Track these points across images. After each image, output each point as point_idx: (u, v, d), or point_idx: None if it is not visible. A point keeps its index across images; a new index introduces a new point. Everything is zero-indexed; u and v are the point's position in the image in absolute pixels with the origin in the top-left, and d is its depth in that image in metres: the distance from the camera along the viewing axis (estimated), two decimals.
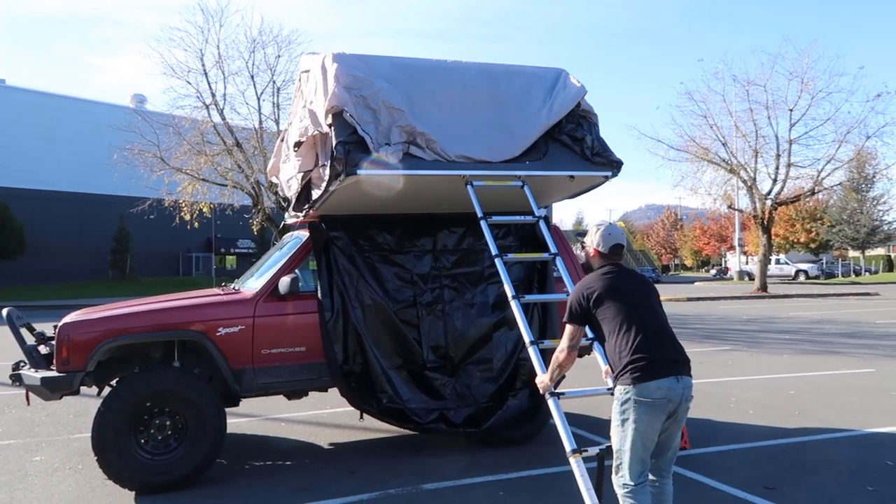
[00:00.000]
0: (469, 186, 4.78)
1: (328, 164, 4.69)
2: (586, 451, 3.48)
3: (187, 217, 21.36)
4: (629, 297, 3.33)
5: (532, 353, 4.14)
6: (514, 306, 4.34)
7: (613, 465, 3.27)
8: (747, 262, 48.40)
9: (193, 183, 20.80)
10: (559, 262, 4.85)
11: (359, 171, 4.47)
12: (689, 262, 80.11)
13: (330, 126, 4.60)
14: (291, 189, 5.62)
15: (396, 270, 5.53)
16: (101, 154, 35.18)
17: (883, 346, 12.01)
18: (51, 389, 4.72)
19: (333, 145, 4.50)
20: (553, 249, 4.85)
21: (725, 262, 64.60)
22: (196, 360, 5.15)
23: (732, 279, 47.52)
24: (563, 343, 3.41)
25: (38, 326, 5.53)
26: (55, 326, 5.33)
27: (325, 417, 6.84)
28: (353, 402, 5.24)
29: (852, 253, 60.24)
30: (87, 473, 5.11)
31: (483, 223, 4.69)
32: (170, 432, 4.77)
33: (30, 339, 5.26)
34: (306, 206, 5.52)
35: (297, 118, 5.75)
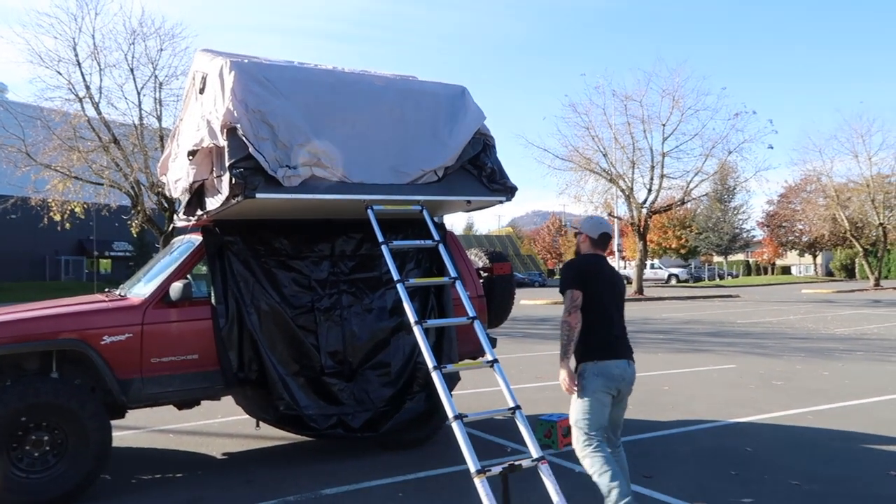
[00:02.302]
0: (369, 210, 4.84)
1: (223, 177, 4.59)
2: (490, 470, 3.64)
3: (57, 217, 19.83)
4: (610, 287, 3.99)
5: (436, 378, 4.15)
6: (417, 331, 4.38)
7: (578, 440, 3.84)
8: (625, 267, 51.34)
9: (64, 181, 19.36)
10: (458, 285, 4.92)
11: (257, 195, 4.42)
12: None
13: (225, 140, 4.50)
14: (178, 189, 5.44)
15: (294, 276, 5.48)
16: None
17: (742, 344, 13.19)
18: None
19: (227, 165, 4.41)
20: (452, 273, 4.95)
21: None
22: (77, 371, 4.87)
23: None
24: (568, 306, 3.82)
25: None
26: None
27: (216, 427, 6.64)
28: (248, 411, 5.15)
29: (717, 258, 65.39)
30: None
31: (384, 248, 4.75)
32: (48, 448, 4.48)
33: None
34: (199, 212, 5.37)
35: (190, 118, 5.57)
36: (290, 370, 5.27)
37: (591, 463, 3.81)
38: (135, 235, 23.92)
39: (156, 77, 20.22)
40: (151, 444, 6.08)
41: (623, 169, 29.86)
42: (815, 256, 66.68)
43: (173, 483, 4.98)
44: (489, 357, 4.37)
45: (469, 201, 5.36)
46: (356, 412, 5.40)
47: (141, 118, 20.04)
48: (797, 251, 65.88)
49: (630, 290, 31.96)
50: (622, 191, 30.27)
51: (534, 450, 3.84)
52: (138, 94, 20.07)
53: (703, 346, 12.87)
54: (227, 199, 4.51)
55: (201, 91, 5.14)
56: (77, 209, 19.99)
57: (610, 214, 33.07)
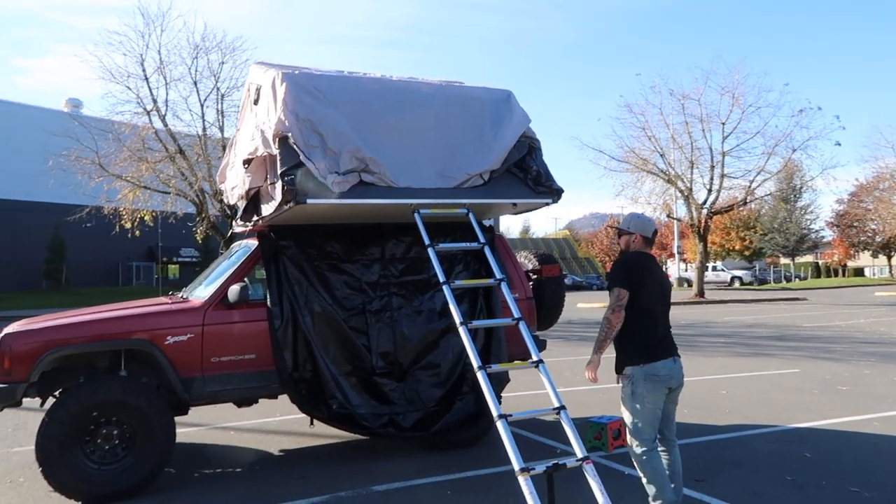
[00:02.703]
0: (416, 214, 4.95)
1: (276, 184, 4.78)
2: (533, 469, 3.68)
3: (128, 225, 20.81)
4: (658, 287, 4.03)
5: (481, 378, 4.21)
6: (462, 332, 4.45)
7: (632, 445, 3.91)
8: (686, 269, 50.10)
9: (134, 190, 20.30)
10: (503, 286, 4.99)
11: (308, 201, 4.60)
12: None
13: (277, 149, 4.68)
14: (235, 196, 5.68)
15: (345, 279, 5.64)
16: (34, 160, 33.96)
17: (808, 348, 12.72)
18: None
19: (279, 173, 4.60)
20: (498, 275, 5.01)
21: (666, 269, 66.65)
22: (143, 370, 5.14)
23: (672, 286, 49.05)
24: (613, 303, 3.86)
25: None
26: None
27: (274, 425, 6.87)
28: (303, 409, 5.32)
29: (783, 260, 63.02)
30: (29, 486, 5.04)
31: (430, 250, 4.86)
32: (117, 442, 4.75)
33: None
34: (255, 218, 5.59)
35: (245, 129, 5.81)
36: (342, 370, 5.42)
37: (643, 468, 3.93)
38: (199, 242, 24.86)
39: (217, 89, 21.01)
40: (213, 441, 6.35)
41: (681, 169, 29.23)
42: (889, 257, 63.50)
43: (232, 478, 5.20)
44: (534, 357, 4.40)
45: (515, 204, 5.40)
46: (407, 412, 5.51)
47: (204, 129, 20.85)
48: (870, 252, 62.87)
49: (690, 293, 31.22)
50: (681, 192, 29.60)
51: (578, 450, 3.86)
52: (201, 105, 20.90)
53: (765, 350, 12.48)
54: (280, 205, 4.69)
55: (255, 102, 5.36)
56: (146, 217, 20.94)
57: (669, 216, 32.39)
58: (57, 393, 5.07)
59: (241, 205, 5.72)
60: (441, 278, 4.72)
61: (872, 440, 5.99)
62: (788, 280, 56.39)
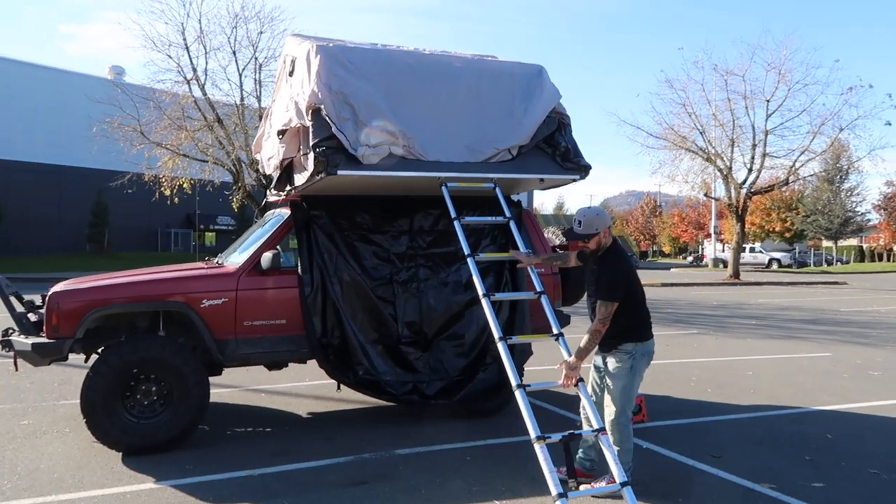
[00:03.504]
0: (444, 188, 5.03)
1: (309, 154, 4.91)
2: (550, 437, 3.79)
3: (167, 192, 21.34)
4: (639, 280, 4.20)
5: (501, 348, 4.31)
6: (485, 304, 4.55)
7: (625, 413, 4.08)
8: (723, 250, 49.26)
9: (174, 158, 20.76)
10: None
11: (339, 172, 4.71)
12: (666, 249, 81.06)
13: (310, 120, 4.80)
14: (270, 167, 5.83)
15: (374, 249, 5.78)
16: (79, 126, 34.79)
17: (842, 333, 12.53)
18: (41, 355, 4.93)
19: (311, 144, 4.72)
20: (523, 249, 5.09)
21: (702, 249, 65.54)
22: (180, 331, 5.37)
23: (707, 266, 48.38)
24: (605, 316, 3.95)
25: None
26: (43, 296, 5.54)
27: (303, 389, 7.11)
28: (330, 374, 5.51)
29: (826, 243, 61.46)
30: (74, 436, 5.35)
31: (456, 223, 4.94)
32: (155, 398, 5.01)
33: (19, 308, 5.45)
34: (288, 188, 5.75)
35: (280, 100, 5.94)
36: (369, 338, 5.59)
37: (627, 437, 4.08)
38: (236, 210, 25.37)
39: (255, 59, 21.23)
40: (245, 402, 6.61)
41: (721, 147, 28.63)
42: None
43: (263, 436, 5.44)
44: (555, 331, 4.50)
45: (542, 179, 5.45)
46: (431, 380, 5.66)
47: (242, 98, 21.15)
48: None
49: (725, 274, 30.78)
50: (720, 170, 29.03)
51: (594, 420, 3.95)
52: (240, 75, 21.19)
53: (797, 334, 12.34)
54: (312, 175, 4.82)
55: (291, 74, 5.48)
56: (185, 185, 21.43)
57: (706, 195, 31.85)
58: (100, 350, 5.34)
59: (276, 174, 5.88)
60: (466, 251, 4.81)
61: None
62: (830, 264, 55.04)
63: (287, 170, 5.63)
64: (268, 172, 6.07)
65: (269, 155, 5.87)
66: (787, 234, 58.49)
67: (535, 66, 5.65)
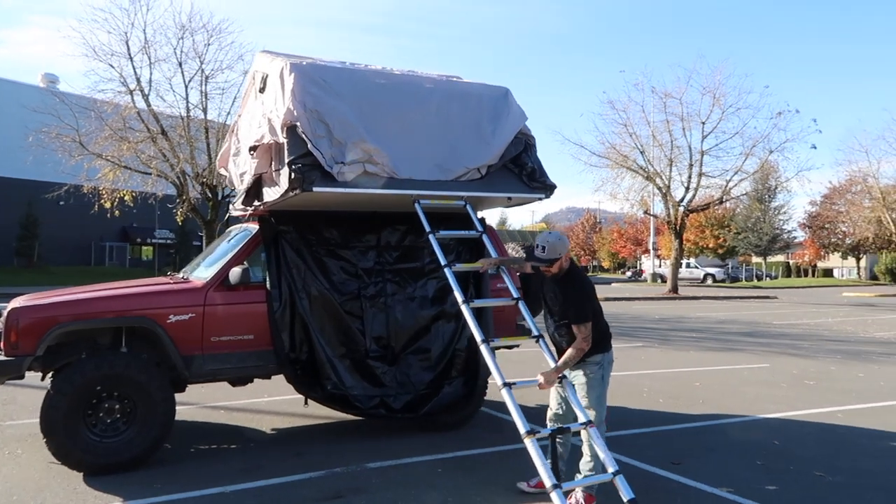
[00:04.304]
0: (417, 204, 5.16)
1: (282, 171, 4.94)
2: (539, 431, 3.92)
3: (108, 205, 20.63)
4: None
5: (484, 350, 4.49)
6: (465, 310, 4.70)
7: (603, 422, 4.24)
8: (660, 266, 50.91)
9: (114, 170, 20.13)
10: (503, 270, 5.24)
11: (314, 188, 4.77)
12: (606, 264, 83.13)
13: (285, 138, 4.84)
14: (244, 181, 5.81)
15: (342, 264, 5.82)
16: (8, 135, 33.35)
17: (777, 345, 13.18)
18: None
19: (287, 161, 4.75)
20: (494, 256, 5.30)
21: (640, 264, 67.50)
22: (143, 346, 5.27)
23: (646, 281, 49.88)
24: (587, 335, 4.10)
25: None
26: None
27: (263, 405, 7.04)
28: (298, 389, 5.50)
29: (755, 259, 64.26)
30: (28, 457, 5.16)
31: (431, 237, 5.08)
32: (119, 416, 4.89)
33: None
34: (256, 203, 5.74)
35: (249, 115, 5.94)
36: (337, 352, 5.61)
37: (601, 443, 4.12)
38: (179, 223, 24.68)
39: (202, 71, 20.86)
40: (206, 419, 6.50)
41: (661, 167, 29.73)
42: (858, 259, 65.10)
43: (229, 453, 5.37)
44: (535, 332, 4.67)
45: (510, 198, 5.64)
46: (398, 394, 5.72)
47: (188, 110, 20.72)
48: (840, 254, 64.42)
49: (664, 289, 31.82)
50: (659, 189, 30.11)
51: (581, 415, 4.10)
52: (186, 87, 20.76)
53: (736, 346, 12.91)
54: (286, 191, 4.84)
55: (261, 90, 5.50)
56: (126, 197, 20.78)
57: (646, 212, 32.93)
58: (57, 367, 5.17)
59: (243, 190, 5.86)
60: (443, 261, 4.94)
61: (838, 430, 6.35)
62: (760, 279, 57.55)
63: (255, 185, 5.62)
64: (239, 188, 6.03)
65: (242, 170, 5.84)
66: (720, 251, 60.95)
67: (501, 88, 5.84)
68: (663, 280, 41.54)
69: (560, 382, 4.24)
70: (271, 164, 5.23)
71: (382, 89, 5.28)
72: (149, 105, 20.15)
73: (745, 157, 29.36)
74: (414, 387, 5.78)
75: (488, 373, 6.13)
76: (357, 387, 5.60)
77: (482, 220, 6.41)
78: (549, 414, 4.47)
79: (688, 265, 51.50)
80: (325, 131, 4.83)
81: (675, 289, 30.73)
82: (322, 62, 5.41)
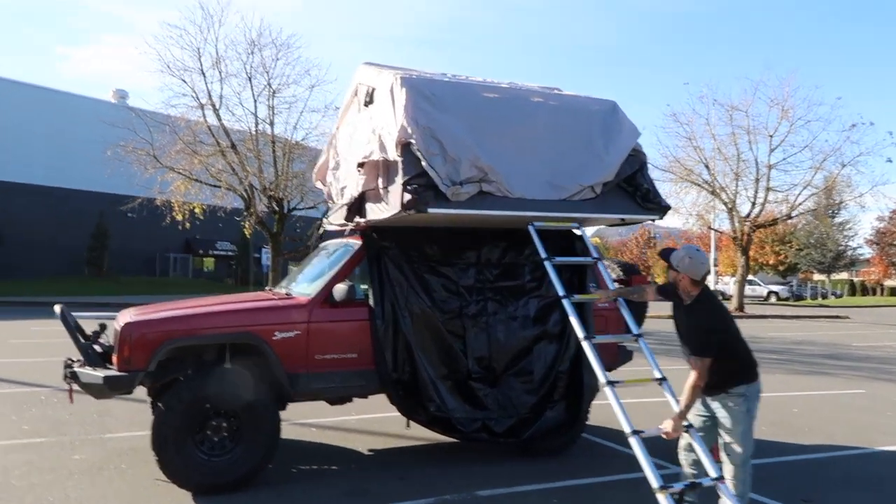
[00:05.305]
0: (531, 227, 4.99)
1: (391, 188, 4.85)
2: (671, 486, 3.75)
3: (179, 217, 21.12)
4: (733, 321, 4.08)
5: (587, 346, 4.49)
6: (566, 305, 4.69)
7: (748, 461, 3.93)
8: (717, 283, 49.41)
9: (185, 182, 20.61)
10: (621, 302, 5.08)
11: (429, 210, 4.65)
12: (660, 280, 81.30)
13: (399, 156, 4.74)
14: (346, 196, 5.73)
15: (443, 282, 5.67)
16: (81, 148, 34.68)
17: (865, 368, 12.49)
18: (113, 388, 4.75)
19: (402, 181, 4.65)
20: (611, 287, 5.29)
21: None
22: (247, 363, 5.21)
23: None
24: (704, 371, 3.82)
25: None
26: (101, 325, 5.39)
27: (353, 423, 6.93)
28: (402, 410, 5.36)
29: (817, 276, 61.88)
30: (134, 473, 5.15)
31: (547, 264, 4.95)
32: (226, 434, 4.84)
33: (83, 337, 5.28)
34: (358, 218, 5.63)
35: (348, 128, 5.88)
36: (439, 373, 5.45)
37: (749, 487, 3.95)
38: (247, 236, 25.05)
39: (269, 85, 21.21)
40: (299, 437, 6.42)
41: (726, 181, 28.84)
42: None
43: (331, 475, 5.26)
44: (657, 374, 4.41)
45: (623, 219, 5.42)
46: (500, 417, 5.52)
47: (256, 124, 21.07)
48: None
49: (730, 307, 30.81)
50: (724, 203, 29.21)
51: (712, 469, 3.83)
52: (255, 101, 21.12)
53: (822, 369, 12.28)
54: (400, 211, 4.72)
55: (367, 104, 5.42)
56: (197, 210, 21.23)
57: (710, 227, 32.00)
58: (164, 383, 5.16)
59: (344, 204, 5.79)
60: (561, 292, 4.76)
61: None
62: (825, 297, 55.32)
63: (358, 201, 5.53)
64: (339, 202, 5.97)
65: (343, 185, 5.78)
66: (781, 268, 58.90)
67: (608, 101, 5.63)
68: (724, 297, 40.25)
69: (687, 431, 3.97)
70: (378, 180, 5.13)
71: (490, 103, 5.14)
72: (220, 119, 20.58)
73: (815, 171, 28.27)
74: (516, 410, 5.58)
75: (592, 398, 5.91)
76: (459, 409, 5.43)
77: (580, 238, 6.19)
78: (682, 457, 4.18)
79: (750, 282, 49.91)
80: (438, 149, 4.69)
81: (741, 307, 29.69)
82: (429, 75, 5.31)
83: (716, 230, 33.11)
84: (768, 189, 28.66)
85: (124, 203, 22.01)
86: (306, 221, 23.98)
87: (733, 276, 61.69)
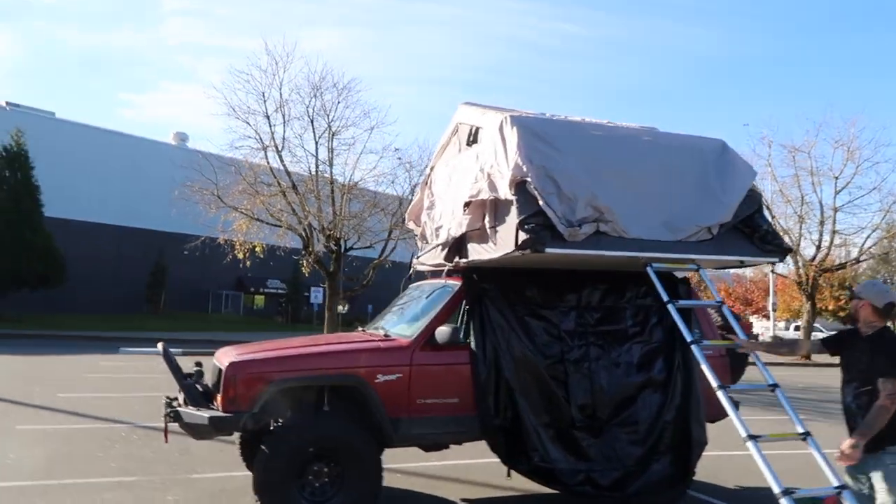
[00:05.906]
0: (649, 268, 4.81)
1: (499, 228, 4.74)
2: None
3: (240, 256, 21.47)
4: None
5: (721, 396, 4.24)
6: (696, 350, 4.57)
7: None
8: (773, 328, 47.66)
9: (247, 222, 20.98)
10: (756, 357, 4.86)
11: (546, 250, 4.52)
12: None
13: (514, 195, 4.63)
14: (442, 236, 5.65)
15: (544, 325, 5.48)
16: (143, 189, 35.93)
17: None
18: (217, 429, 4.68)
19: (517, 220, 4.54)
20: (741, 336, 5.01)
21: (752, 324, 63.54)
22: (345, 407, 5.09)
23: None
24: (891, 392, 3.48)
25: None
26: (198, 363, 5.36)
27: (438, 470, 6.70)
28: (504, 459, 5.14)
29: None
30: None
31: (671, 307, 4.77)
32: (327, 479, 4.70)
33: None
34: (457, 259, 5.52)
35: (443, 167, 5.82)
36: (541, 420, 5.23)
37: None
38: (306, 275, 25.35)
39: (329, 127, 21.60)
40: (388, 483, 6.22)
41: (789, 224, 28.05)
42: None
43: None
44: (800, 430, 4.12)
45: (742, 262, 5.19)
46: (604, 469, 5.25)
47: (317, 166, 21.43)
48: None
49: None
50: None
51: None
52: (316, 144, 21.51)
53: None
54: (513, 250, 4.59)
55: (469, 143, 5.36)
56: (258, 249, 21.55)
57: (773, 270, 31.07)
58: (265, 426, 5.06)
59: (439, 244, 5.70)
60: (688, 337, 4.54)
61: None
62: None
63: (458, 241, 5.43)
64: (433, 242, 5.89)
65: (438, 224, 5.70)
66: (841, 314, 56.63)
67: (717, 140, 5.47)
68: None
69: (839, 493, 3.64)
70: (485, 220, 5.02)
71: (602, 142, 5.03)
72: (282, 161, 21.00)
73: (885, 214, 27.31)
74: (621, 462, 5.30)
75: (700, 452, 5.58)
76: (562, 460, 5.18)
77: (685, 281, 5.95)
78: None
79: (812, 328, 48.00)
80: (553, 188, 4.58)
81: (808, 354, 28.49)
82: (535, 115, 5.23)
83: (780, 274, 32.10)
84: (834, 232, 27.77)
85: (186, 241, 22.51)
86: (361, 261, 24.12)
87: (789, 320, 59.41)
